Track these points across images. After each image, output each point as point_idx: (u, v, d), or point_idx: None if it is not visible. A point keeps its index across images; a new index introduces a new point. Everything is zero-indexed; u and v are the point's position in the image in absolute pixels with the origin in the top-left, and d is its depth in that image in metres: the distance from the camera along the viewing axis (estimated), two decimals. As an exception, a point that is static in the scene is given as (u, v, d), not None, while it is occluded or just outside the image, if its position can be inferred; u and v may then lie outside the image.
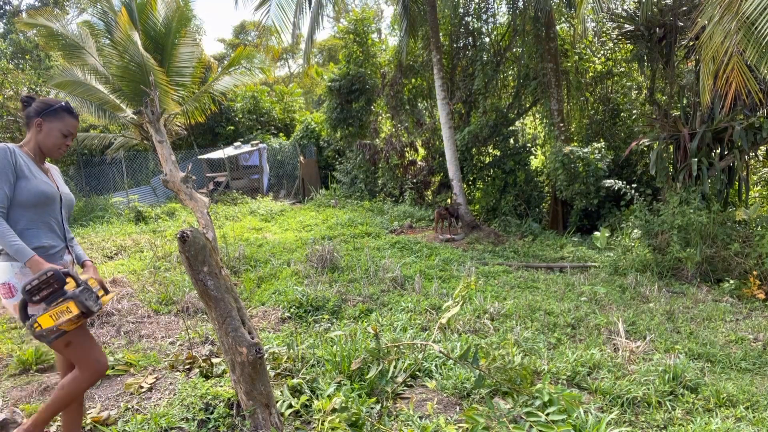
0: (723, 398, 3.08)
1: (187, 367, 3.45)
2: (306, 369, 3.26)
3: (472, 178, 12.43)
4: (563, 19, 11.91)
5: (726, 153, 7.78)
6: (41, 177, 2.22)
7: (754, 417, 2.90)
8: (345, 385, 2.96)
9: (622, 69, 11.72)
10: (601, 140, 10.25)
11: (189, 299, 4.97)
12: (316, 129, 17.14)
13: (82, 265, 2.44)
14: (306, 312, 4.64)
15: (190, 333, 4.11)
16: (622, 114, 11.45)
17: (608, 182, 8.17)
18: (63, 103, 2.31)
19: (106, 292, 2.36)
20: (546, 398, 2.70)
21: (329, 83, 14.17)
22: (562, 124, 10.49)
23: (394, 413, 2.80)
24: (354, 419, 2.62)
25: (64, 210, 2.35)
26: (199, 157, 15.93)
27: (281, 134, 18.76)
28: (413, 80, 13.73)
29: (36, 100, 2.30)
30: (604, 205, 9.93)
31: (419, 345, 3.46)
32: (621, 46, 11.40)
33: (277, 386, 3.01)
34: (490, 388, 2.98)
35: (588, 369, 3.43)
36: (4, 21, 21.18)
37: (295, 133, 17.85)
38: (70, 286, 2.02)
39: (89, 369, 2.18)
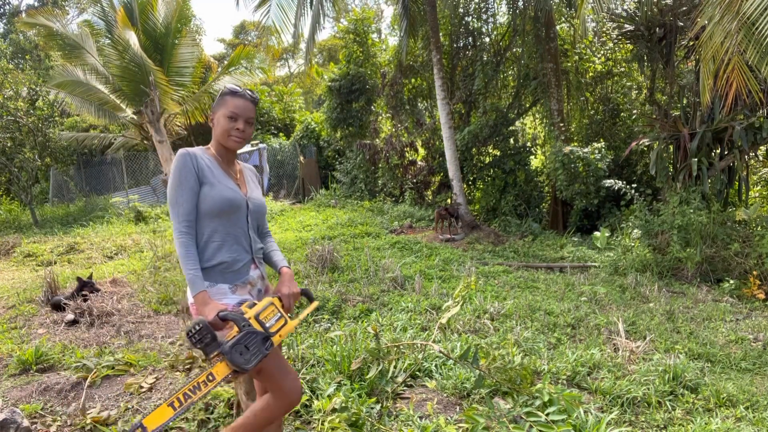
0: (723, 398, 3.08)
1: (187, 367, 3.45)
2: (306, 369, 3.26)
3: (472, 178, 12.43)
4: (563, 19, 11.91)
5: (726, 153, 7.78)
6: (225, 182, 1.98)
7: (754, 417, 2.90)
8: (345, 385, 2.96)
9: (622, 69, 11.72)
10: (601, 140, 10.25)
11: (189, 299, 4.97)
12: (316, 129, 17.14)
13: (279, 272, 2.14)
14: (306, 312, 4.63)
15: (190, 333, 4.10)
16: (622, 114, 11.45)
17: (608, 182, 8.16)
18: (226, 88, 2.03)
19: (311, 299, 2.14)
20: (546, 398, 2.70)
21: (329, 83, 14.17)
22: (562, 124, 10.49)
23: (394, 413, 2.80)
24: (354, 419, 2.62)
25: (251, 218, 2.07)
26: (199, 157, 15.89)
27: (281, 134, 18.75)
28: (413, 80, 13.73)
29: None
30: (604, 205, 9.93)
31: (419, 345, 3.46)
32: (621, 46, 11.39)
33: (277, 386, 3.00)
34: (490, 388, 2.98)
35: (588, 369, 3.43)
36: (4, 21, 21.19)
37: (295, 133, 17.84)
38: (230, 333, 1.77)
39: (282, 398, 1.93)
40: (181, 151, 1.93)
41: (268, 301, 1.90)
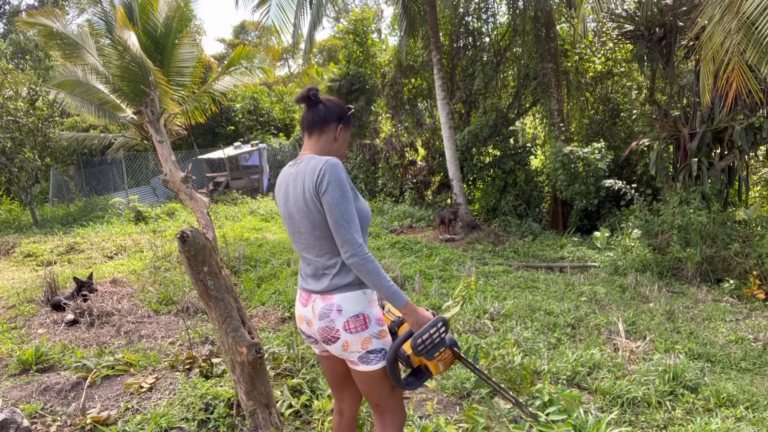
0: (723, 398, 3.08)
1: (187, 367, 3.45)
2: (306, 369, 3.26)
3: (472, 178, 12.43)
4: (563, 19, 11.91)
5: (726, 153, 7.77)
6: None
7: (754, 417, 2.91)
8: (345, 385, 2.96)
9: (622, 69, 11.72)
10: (601, 140, 10.25)
11: (189, 299, 4.97)
12: (316, 129, 17.12)
13: None
14: (306, 312, 4.63)
15: (190, 333, 4.11)
16: (622, 114, 11.45)
17: (608, 182, 8.16)
18: (350, 110, 1.97)
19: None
20: (546, 398, 2.70)
21: (329, 83, 14.15)
22: (562, 124, 10.48)
23: (394, 413, 2.80)
24: (354, 419, 2.62)
25: None
26: (199, 157, 15.92)
27: (281, 134, 18.74)
28: (413, 80, 13.73)
29: (330, 100, 1.92)
30: (604, 205, 9.92)
31: (419, 345, 3.46)
32: (621, 46, 11.39)
33: (277, 386, 3.01)
34: (490, 388, 2.98)
35: (588, 369, 3.43)
36: (4, 21, 21.20)
37: (295, 133, 17.85)
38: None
39: (399, 414, 1.95)
40: (336, 161, 1.78)
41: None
